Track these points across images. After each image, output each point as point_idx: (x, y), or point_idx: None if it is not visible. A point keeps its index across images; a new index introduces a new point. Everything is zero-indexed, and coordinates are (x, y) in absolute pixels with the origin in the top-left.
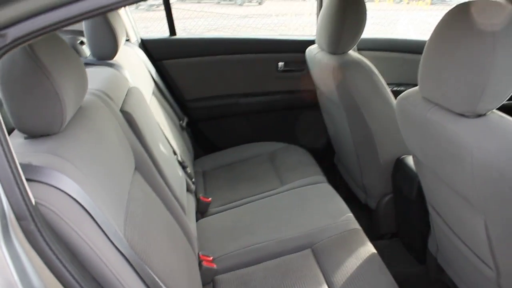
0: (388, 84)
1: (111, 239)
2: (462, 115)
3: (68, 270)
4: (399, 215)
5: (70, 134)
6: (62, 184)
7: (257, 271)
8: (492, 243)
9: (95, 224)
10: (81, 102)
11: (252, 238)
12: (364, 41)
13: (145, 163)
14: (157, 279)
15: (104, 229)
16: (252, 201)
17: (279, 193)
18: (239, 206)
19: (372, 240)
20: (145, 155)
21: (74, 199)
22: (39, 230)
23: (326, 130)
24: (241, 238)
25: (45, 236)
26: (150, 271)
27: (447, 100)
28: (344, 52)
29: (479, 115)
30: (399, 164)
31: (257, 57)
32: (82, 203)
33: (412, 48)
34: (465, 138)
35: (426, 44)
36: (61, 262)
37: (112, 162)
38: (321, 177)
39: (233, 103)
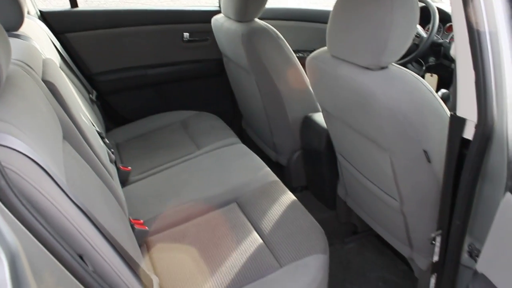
0: None
1: (69, 195)
2: (367, 68)
3: (40, 223)
4: (308, 169)
5: (5, 100)
6: (16, 146)
7: (188, 228)
8: (397, 176)
9: (52, 181)
10: (7, 70)
11: (178, 199)
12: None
13: (72, 132)
14: (111, 233)
15: (61, 185)
16: (172, 166)
17: (197, 156)
18: (159, 172)
19: None
20: (71, 124)
21: (31, 158)
22: (9, 186)
23: (233, 96)
24: (168, 200)
25: (15, 191)
26: (103, 224)
27: (354, 56)
28: (251, 19)
29: (382, 68)
30: (307, 121)
31: (163, 28)
32: (39, 162)
33: (307, 17)
34: (372, 87)
35: (332, 8)
36: (33, 215)
37: (45, 130)
38: (235, 139)
39: (141, 75)
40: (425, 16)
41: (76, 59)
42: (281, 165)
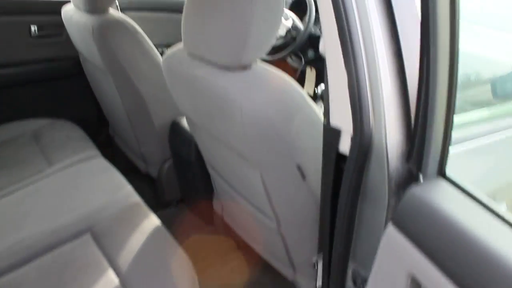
0: (156, 45)
1: None
2: (228, 68)
3: None
4: (181, 180)
5: None
6: None
7: (29, 272)
8: (269, 194)
9: None
10: None
11: (19, 234)
12: (126, 1)
13: None
14: None
15: None
16: (16, 190)
17: (47, 175)
18: None
19: (158, 210)
20: None
21: None
22: None
23: (96, 100)
24: (5, 236)
25: None
26: None
27: (211, 54)
28: (104, 10)
29: (245, 68)
30: (175, 127)
31: (2, 21)
32: None
33: (177, 7)
34: (232, 92)
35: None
36: None
37: None
38: (94, 151)
39: None
40: (301, 6)
41: None
42: (152, 177)
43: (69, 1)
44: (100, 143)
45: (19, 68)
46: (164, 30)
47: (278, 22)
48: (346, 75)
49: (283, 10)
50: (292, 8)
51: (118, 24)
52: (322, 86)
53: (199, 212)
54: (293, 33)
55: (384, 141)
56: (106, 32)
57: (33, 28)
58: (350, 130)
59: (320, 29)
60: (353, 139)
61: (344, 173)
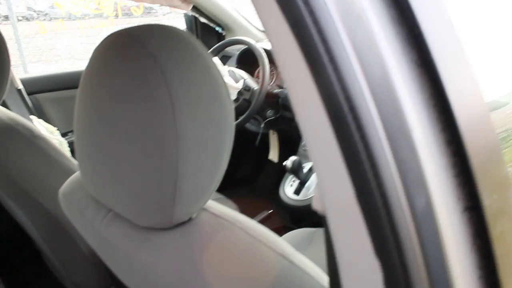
0: None
1: None
2: (155, 228)
3: None
4: None
5: None
6: None
7: None
8: None
9: None
10: None
11: None
12: (37, 81)
13: None
14: None
15: None
16: None
17: None
18: None
19: None
20: None
21: None
22: None
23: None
24: None
25: None
26: None
27: (124, 208)
28: None
29: (182, 223)
30: None
31: None
32: None
33: None
34: (167, 269)
35: (76, 107)
36: None
37: None
38: None
39: None
40: (250, 58)
41: None
42: None
43: None
44: (24, 264)
45: None
46: None
47: (227, 146)
48: (381, 270)
49: (233, 127)
50: (240, 62)
51: (7, 132)
52: (292, 159)
53: None
54: (247, 94)
55: None
56: None
57: None
58: None
59: (275, 82)
60: None
61: None
